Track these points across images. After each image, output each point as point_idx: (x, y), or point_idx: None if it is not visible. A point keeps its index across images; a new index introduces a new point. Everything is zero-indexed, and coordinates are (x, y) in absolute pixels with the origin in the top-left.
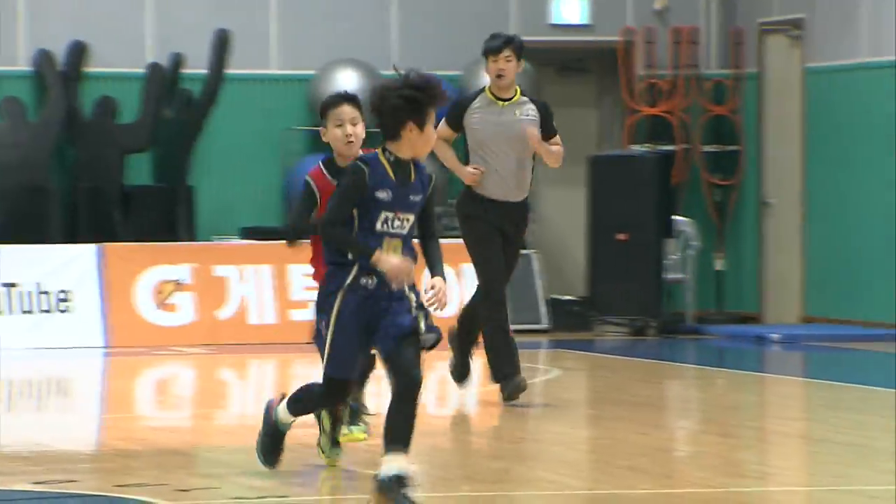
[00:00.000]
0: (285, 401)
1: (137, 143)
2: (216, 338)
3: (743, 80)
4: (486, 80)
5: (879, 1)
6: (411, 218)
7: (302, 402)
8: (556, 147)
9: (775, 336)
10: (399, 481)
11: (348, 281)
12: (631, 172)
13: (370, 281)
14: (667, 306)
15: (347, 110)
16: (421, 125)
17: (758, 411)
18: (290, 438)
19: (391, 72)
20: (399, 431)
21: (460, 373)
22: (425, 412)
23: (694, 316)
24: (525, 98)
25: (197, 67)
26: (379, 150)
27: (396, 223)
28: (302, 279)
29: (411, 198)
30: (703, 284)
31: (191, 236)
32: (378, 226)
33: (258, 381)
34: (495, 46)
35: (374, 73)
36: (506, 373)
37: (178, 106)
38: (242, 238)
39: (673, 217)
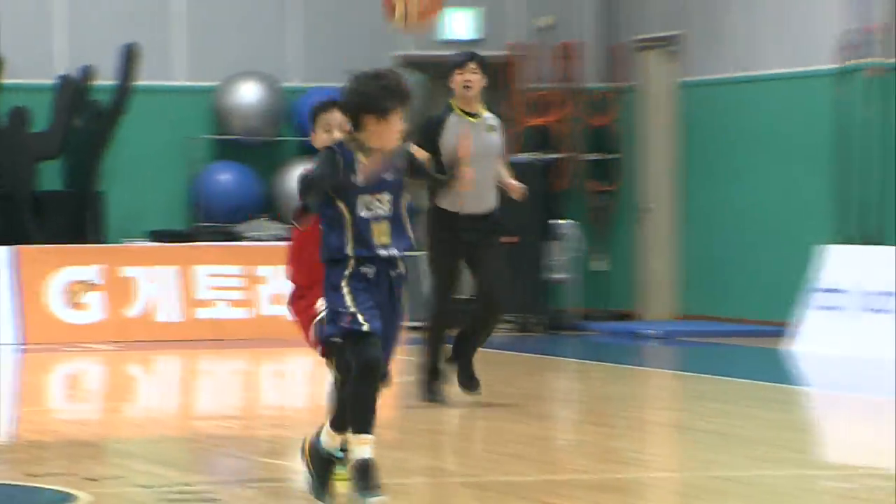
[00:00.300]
0: (324, 427)
1: (49, 151)
2: (125, 335)
3: (621, 92)
4: None
5: (749, 19)
6: (390, 197)
7: (338, 411)
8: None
9: (651, 332)
10: (366, 465)
11: (347, 272)
12: (516, 179)
13: (370, 270)
14: (551, 304)
15: (337, 116)
16: (380, 117)
17: (633, 402)
18: (195, 431)
19: (293, 83)
20: (361, 415)
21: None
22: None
23: (577, 313)
24: (488, 113)
25: (106, 79)
26: (348, 137)
27: (377, 205)
28: (206, 279)
29: (383, 176)
30: (585, 284)
31: (100, 239)
32: (361, 212)
33: (164, 376)
34: (461, 60)
35: (275, 85)
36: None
37: (88, 115)
38: (150, 240)
39: (556, 221)
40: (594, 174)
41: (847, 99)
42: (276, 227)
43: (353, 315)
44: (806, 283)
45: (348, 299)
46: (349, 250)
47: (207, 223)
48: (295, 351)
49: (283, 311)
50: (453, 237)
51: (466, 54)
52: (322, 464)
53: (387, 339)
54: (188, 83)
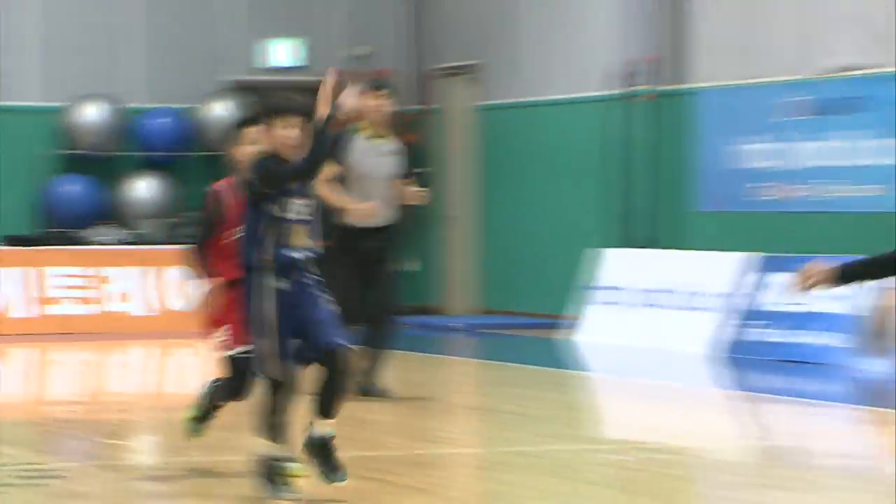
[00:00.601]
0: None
1: None
2: None
3: (429, 114)
4: (218, 112)
5: (539, 50)
6: (312, 202)
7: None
8: (411, 191)
9: (456, 325)
10: (326, 442)
11: (269, 287)
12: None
13: (288, 279)
14: None
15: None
16: (267, 127)
17: (441, 387)
18: (44, 415)
19: (135, 104)
20: (327, 402)
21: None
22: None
23: None
24: (391, 137)
25: None
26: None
27: (304, 209)
28: (56, 279)
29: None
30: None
31: None
32: (292, 215)
33: (17, 366)
34: (373, 86)
35: (118, 105)
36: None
37: None
38: (5, 245)
39: None
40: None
41: (622, 121)
42: (118, 233)
43: (274, 361)
44: (586, 282)
45: (270, 333)
46: (271, 252)
47: (57, 229)
48: (136, 343)
49: (127, 308)
50: (349, 248)
51: (378, 80)
52: (272, 469)
53: (321, 324)
54: (40, 104)
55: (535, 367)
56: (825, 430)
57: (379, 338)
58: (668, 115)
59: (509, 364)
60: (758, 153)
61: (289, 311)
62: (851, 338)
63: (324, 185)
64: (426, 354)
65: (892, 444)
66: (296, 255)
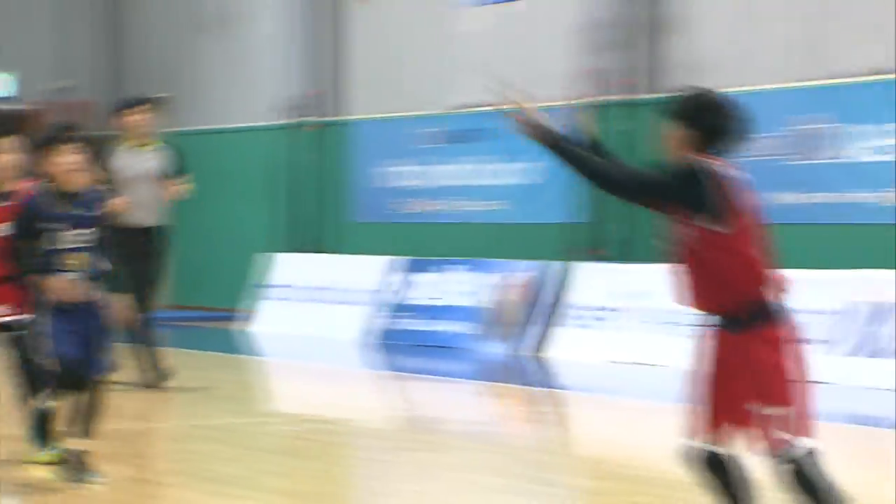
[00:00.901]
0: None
1: None
2: None
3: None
4: None
5: (223, 83)
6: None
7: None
8: (174, 188)
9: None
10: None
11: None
12: None
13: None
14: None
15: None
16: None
17: (135, 372)
18: None
19: None
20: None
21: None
22: None
23: None
24: (163, 144)
25: None
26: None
27: (80, 238)
28: None
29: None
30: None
31: None
32: (65, 245)
33: None
34: (133, 102)
35: None
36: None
37: None
38: None
39: None
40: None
41: (291, 147)
42: None
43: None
44: (260, 281)
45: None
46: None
47: None
48: None
49: None
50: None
51: (140, 97)
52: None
53: (87, 342)
54: None
55: (217, 353)
56: (457, 401)
57: (135, 335)
58: (330, 142)
59: (195, 351)
60: (403, 174)
61: (60, 328)
62: (478, 326)
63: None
64: (126, 344)
65: (507, 412)
66: (69, 276)
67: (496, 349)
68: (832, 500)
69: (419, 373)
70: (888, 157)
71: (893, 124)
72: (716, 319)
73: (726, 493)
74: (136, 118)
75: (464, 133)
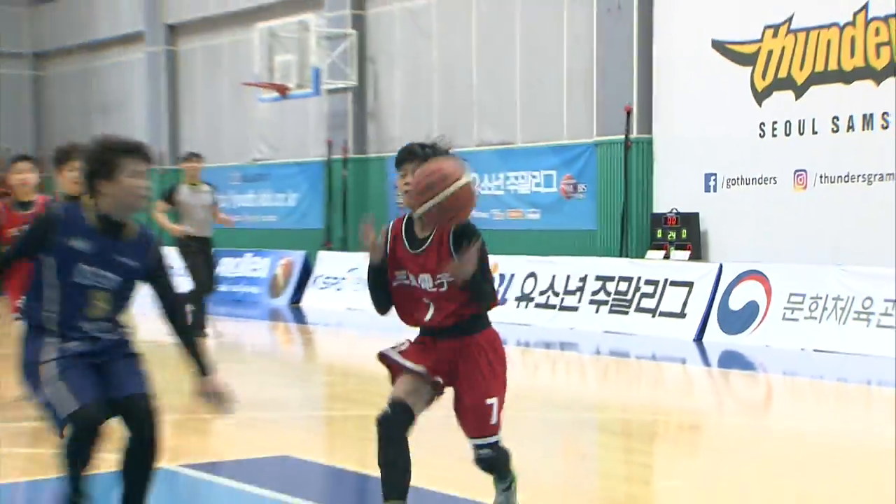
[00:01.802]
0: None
1: None
2: None
3: None
4: None
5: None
6: (113, 276)
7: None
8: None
9: None
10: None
11: (55, 354)
12: None
13: (77, 344)
14: None
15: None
16: (108, 178)
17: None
18: None
19: None
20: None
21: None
22: None
23: None
24: (205, 185)
25: None
26: (84, 199)
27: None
28: None
29: (116, 257)
30: None
31: None
32: (77, 278)
33: None
34: (189, 155)
35: None
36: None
37: None
38: None
39: None
40: None
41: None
42: None
43: (65, 419)
44: None
45: (57, 381)
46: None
47: None
48: None
49: None
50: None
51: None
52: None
53: (122, 375)
54: None
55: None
56: (254, 331)
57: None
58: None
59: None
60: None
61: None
62: (263, 288)
63: (159, 216)
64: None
65: (282, 338)
66: (86, 325)
67: (274, 301)
68: None
69: (229, 317)
70: None
71: None
72: None
73: None
74: (189, 165)
75: (256, 175)
